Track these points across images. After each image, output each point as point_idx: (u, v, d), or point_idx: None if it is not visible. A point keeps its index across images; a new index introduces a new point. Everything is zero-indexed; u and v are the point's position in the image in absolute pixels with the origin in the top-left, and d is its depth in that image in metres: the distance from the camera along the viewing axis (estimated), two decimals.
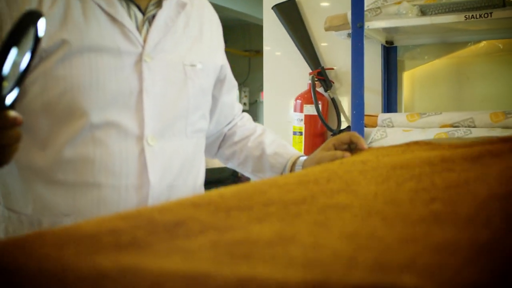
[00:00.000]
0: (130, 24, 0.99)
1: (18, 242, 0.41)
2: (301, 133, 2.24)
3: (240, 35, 9.11)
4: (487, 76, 2.08)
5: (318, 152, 1.13)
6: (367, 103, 2.21)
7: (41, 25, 0.63)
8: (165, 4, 1.04)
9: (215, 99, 1.20)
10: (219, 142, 1.31)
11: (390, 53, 2.21)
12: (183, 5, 1.09)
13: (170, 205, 0.52)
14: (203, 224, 0.46)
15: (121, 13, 0.98)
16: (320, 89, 2.30)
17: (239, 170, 1.31)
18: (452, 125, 1.81)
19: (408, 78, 2.24)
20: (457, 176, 0.63)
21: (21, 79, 0.64)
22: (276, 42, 2.47)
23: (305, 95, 2.25)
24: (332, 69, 2.31)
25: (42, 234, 0.42)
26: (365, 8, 1.94)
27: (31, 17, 0.62)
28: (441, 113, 1.86)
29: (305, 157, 1.19)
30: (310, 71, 2.31)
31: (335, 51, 2.30)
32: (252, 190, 0.59)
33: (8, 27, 0.91)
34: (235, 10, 7.23)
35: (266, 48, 2.51)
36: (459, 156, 0.74)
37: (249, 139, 1.27)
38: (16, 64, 0.63)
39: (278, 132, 2.39)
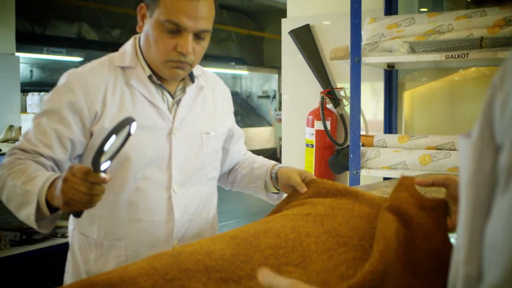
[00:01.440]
0: (164, 107, 1.39)
1: None
2: (312, 146, 2.57)
3: (277, 20, 9.33)
4: (477, 98, 2.34)
5: (294, 171, 1.43)
6: (371, 121, 2.52)
7: (134, 127, 1.00)
8: (188, 90, 1.44)
9: (225, 150, 1.59)
10: (227, 174, 1.68)
11: (391, 76, 2.50)
12: (201, 88, 1.48)
13: None
14: None
15: (158, 99, 1.38)
16: (330, 106, 2.62)
17: (239, 189, 1.68)
18: (436, 148, 2.10)
19: (408, 98, 2.52)
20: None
21: (114, 156, 1.03)
22: (293, 63, 2.79)
23: (316, 112, 2.57)
24: (341, 88, 2.62)
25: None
26: (365, 41, 2.23)
27: (129, 120, 1.00)
28: (427, 136, 2.15)
29: (280, 165, 1.53)
30: (322, 90, 2.62)
31: (344, 72, 2.60)
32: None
33: (85, 111, 1.32)
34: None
35: (284, 69, 2.83)
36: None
37: (244, 162, 1.66)
38: (113, 146, 1.01)
39: (294, 143, 2.74)
